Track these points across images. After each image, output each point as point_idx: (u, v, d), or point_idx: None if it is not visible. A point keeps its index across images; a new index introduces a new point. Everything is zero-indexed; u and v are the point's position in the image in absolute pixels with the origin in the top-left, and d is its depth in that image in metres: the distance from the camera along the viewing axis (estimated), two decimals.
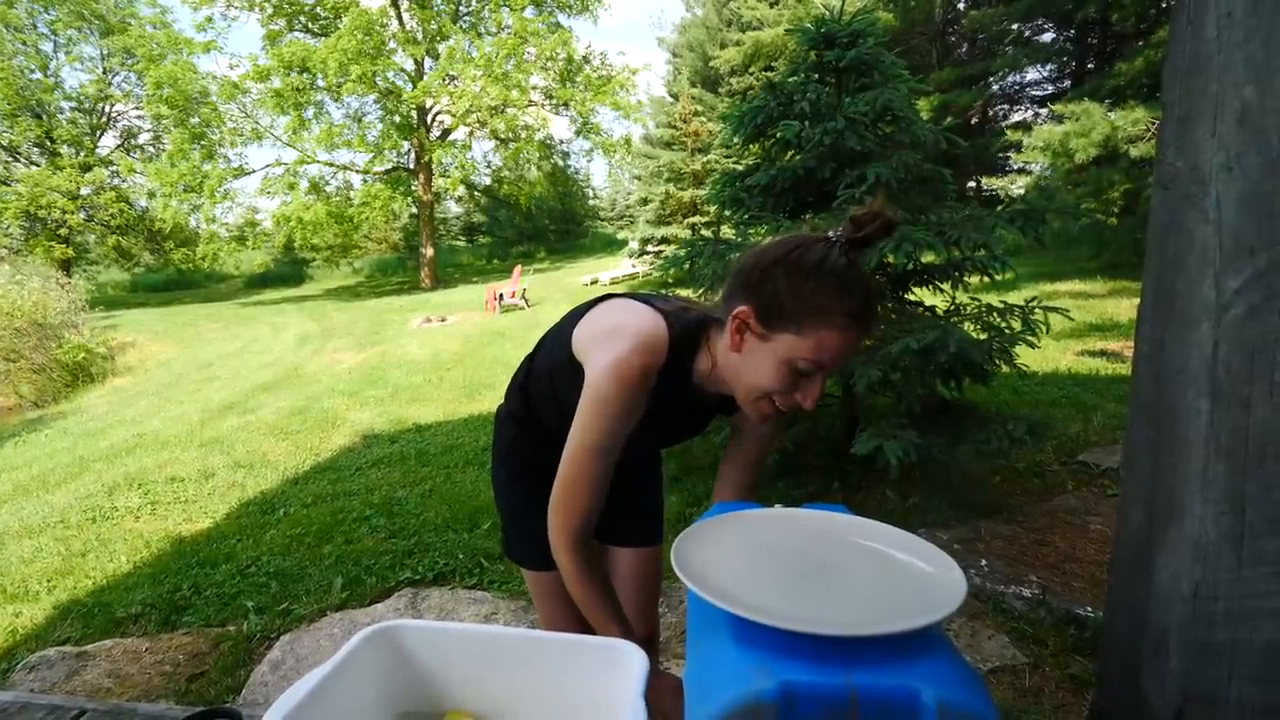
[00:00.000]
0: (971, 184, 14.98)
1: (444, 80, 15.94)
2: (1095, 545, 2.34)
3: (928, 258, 2.65)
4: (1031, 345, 2.66)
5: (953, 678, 0.51)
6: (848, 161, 2.79)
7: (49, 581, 2.91)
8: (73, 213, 17.39)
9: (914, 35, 14.86)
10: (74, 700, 1.11)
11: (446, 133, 17.52)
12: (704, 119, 15.60)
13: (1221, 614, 0.75)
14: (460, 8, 17.32)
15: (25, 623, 2.57)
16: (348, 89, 15.02)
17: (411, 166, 17.40)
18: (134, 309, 15.84)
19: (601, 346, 0.89)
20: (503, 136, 17.24)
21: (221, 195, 16.19)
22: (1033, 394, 4.22)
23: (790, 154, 2.99)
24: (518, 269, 13.25)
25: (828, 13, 2.91)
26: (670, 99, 21.67)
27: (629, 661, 0.69)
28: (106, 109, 19.83)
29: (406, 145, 17.23)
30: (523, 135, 17.12)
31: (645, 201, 16.17)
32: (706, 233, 8.22)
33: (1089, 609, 1.95)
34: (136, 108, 19.60)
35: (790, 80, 2.98)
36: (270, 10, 16.17)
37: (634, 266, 14.74)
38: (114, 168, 19.08)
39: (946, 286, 2.91)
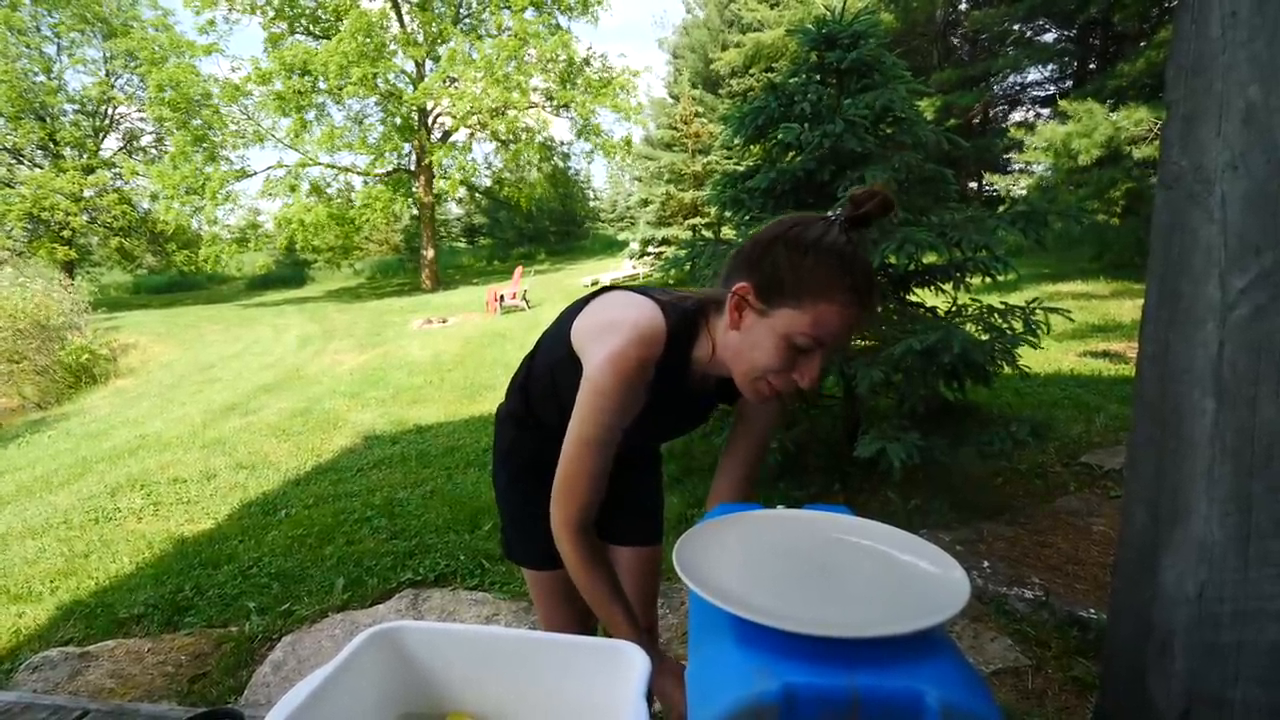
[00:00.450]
0: (973, 184, 14.97)
1: (444, 82, 15.97)
2: (1098, 547, 2.34)
3: (929, 258, 2.65)
4: (1033, 346, 2.66)
5: (956, 680, 0.51)
6: (848, 163, 2.79)
7: (52, 582, 2.92)
8: (76, 215, 17.45)
9: (915, 36, 14.85)
10: (77, 701, 1.11)
11: (447, 134, 17.54)
12: (704, 120, 15.56)
13: (1227, 615, 0.74)
14: (460, 10, 17.35)
15: (28, 623, 2.57)
16: (349, 91, 15.05)
17: (412, 168, 17.40)
18: (136, 310, 15.89)
19: (599, 340, 0.89)
20: (503, 138, 17.24)
21: (223, 197, 16.19)
22: (1035, 395, 4.20)
23: (791, 156, 2.99)
24: (518, 270, 13.24)
25: (829, 14, 2.91)
26: (671, 100, 21.65)
27: (630, 662, 0.69)
28: (109, 111, 19.93)
29: (407, 147, 17.23)
30: (523, 137, 17.12)
31: (646, 203, 16.13)
32: (707, 234, 8.23)
33: (1092, 611, 1.94)
34: (139, 110, 19.72)
35: (791, 81, 2.98)
36: (272, 13, 16.21)
37: (635, 268, 14.71)
38: (117, 170, 19.21)
39: (948, 287, 2.90)
